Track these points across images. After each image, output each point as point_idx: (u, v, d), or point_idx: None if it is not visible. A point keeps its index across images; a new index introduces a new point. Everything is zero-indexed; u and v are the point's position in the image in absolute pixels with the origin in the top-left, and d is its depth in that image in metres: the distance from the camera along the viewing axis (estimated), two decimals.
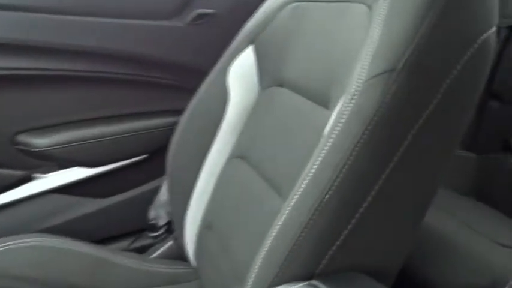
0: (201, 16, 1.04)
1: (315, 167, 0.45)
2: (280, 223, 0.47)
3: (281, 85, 0.70)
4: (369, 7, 0.52)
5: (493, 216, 0.92)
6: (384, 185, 0.43)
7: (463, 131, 0.47)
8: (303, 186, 0.46)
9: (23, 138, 0.97)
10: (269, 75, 0.73)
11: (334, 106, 0.52)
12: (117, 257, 0.79)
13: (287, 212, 0.46)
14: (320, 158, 0.45)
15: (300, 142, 0.59)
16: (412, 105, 0.43)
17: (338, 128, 0.45)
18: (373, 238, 0.47)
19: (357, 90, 0.44)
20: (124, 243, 1.10)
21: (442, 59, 0.43)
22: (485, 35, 0.45)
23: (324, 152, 0.45)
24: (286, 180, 0.58)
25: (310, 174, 0.45)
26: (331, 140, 0.45)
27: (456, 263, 0.76)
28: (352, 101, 0.44)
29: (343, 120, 0.45)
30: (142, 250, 0.99)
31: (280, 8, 0.73)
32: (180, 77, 1.08)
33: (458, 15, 0.43)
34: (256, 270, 0.48)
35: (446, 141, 0.47)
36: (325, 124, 0.52)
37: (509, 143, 1.00)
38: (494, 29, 0.46)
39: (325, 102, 0.57)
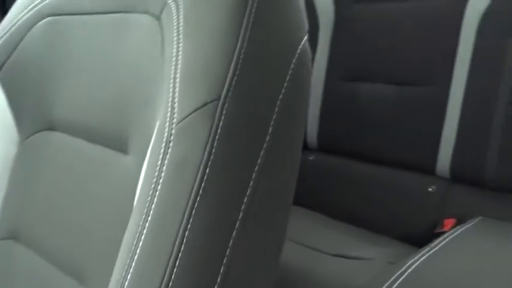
0: None
1: (140, 243, 0.32)
2: None
3: (52, 128, 0.52)
4: (157, 18, 0.40)
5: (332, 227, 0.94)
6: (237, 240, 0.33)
7: (298, 164, 0.41)
8: (129, 266, 0.31)
9: None
10: (31, 118, 0.54)
11: (139, 150, 0.39)
12: None
13: None
14: (144, 232, 0.32)
15: (98, 205, 0.43)
16: (247, 137, 0.34)
17: (160, 184, 0.32)
18: None
19: (171, 133, 0.32)
20: None
21: (269, 76, 0.35)
22: (302, 43, 0.38)
23: (147, 220, 0.32)
24: (88, 262, 0.42)
25: (137, 250, 0.31)
26: (154, 200, 0.32)
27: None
28: (170, 147, 0.32)
29: (163, 174, 0.32)
30: None
31: (29, 25, 0.54)
32: None
33: (275, 24, 0.36)
34: None
35: (287, 178, 0.39)
36: (129, 175, 0.38)
37: None
38: (307, 36, 0.40)
39: (121, 146, 0.43)
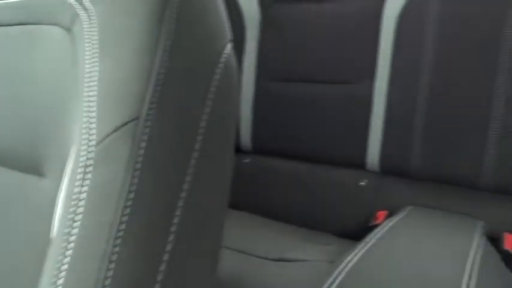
0: None
1: (62, 281, 0.29)
2: None
3: None
4: (68, 30, 0.37)
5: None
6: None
7: (230, 171, 0.40)
8: None
9: None
10: None
11: (55, 173, 0.36)
12: None
13: None
14: (65, 268, 0.29)
15: (14, 236, 0.39)
16: (174, 153, 0.32)
17: (80, 213, 0.29)
18: None
19: (89, 156, 0.30)
20: None
21: (193, 89, 0.33)
22: (226, 50, 0.37)
23: (66, 254, 0.29)
24: None
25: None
26: (74, 231, 0.29)
27: None
28: (89, 171, 0.30)
29: (84, 201, 0.29)
30: None
31: None
32: None
33: (196, 35, 0.34)
34: None
35: (219, 187, 0.38)
36: (46, 200, 0.35)
37: None
38: (231, 44, 0.39)
39: (35, 168, 0.39)
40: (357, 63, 0.98)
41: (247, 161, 1.12)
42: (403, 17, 0.91)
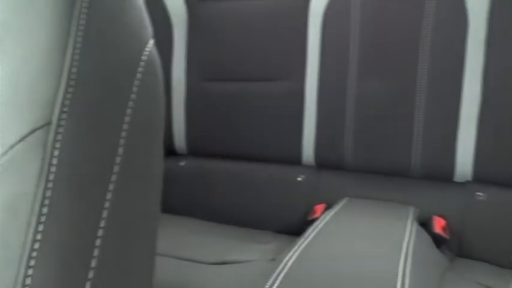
0: None
1: None
2: None
3: None
4: None
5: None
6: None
7: (160, 174, 0.37)
8: None
9: None
10: None
11: None
12: None
13: None
14: None
15: None
16: (93, 160, 0.29)
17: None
18: None
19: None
20: None
21: (112, 90, 0.31)
22: (148, 49, 0.35)
23: None
24: None
25: None
26: None
27: None
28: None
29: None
30: None
31: None
32: None
33: (112, 32, 0.32)
34: None
35: (148, 192, 0.36)
36: None
37: None
38: (153, 41, 0.37)
39: None
40: (288, 60, 0.98)
41: (183, 164, 1.09)
42: (329, 13, 0.93)
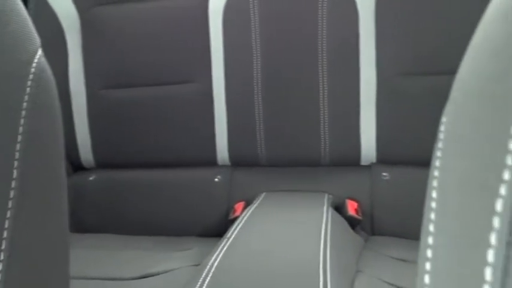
0: None
1: None
2: None
3: None
4: None
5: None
6: None
7: (62, 192, 0.35)
8: None
9: None
10: None
11: None
12: None
13: None
14: None
15: None
16: None
17: None
18: None
19: None
20: None
21: (1, 109, 0.28)
22: (36, 60, 0.32)
23: None
24: None
25: None
26: None
27: None
28: None
29: None
30: None
31: None
32: None
33: None
34: None
35: (50, 212, 0.33)
36: None
37: None
38: (41, 51, 0.34)
39: None
40: (192, 62, 0.97)
41: (93, 178, 1.03)
42: (228, 11, 0.94)
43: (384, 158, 0.92)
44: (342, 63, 0.90)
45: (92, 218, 1.02)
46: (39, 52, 0.34)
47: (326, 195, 0.88)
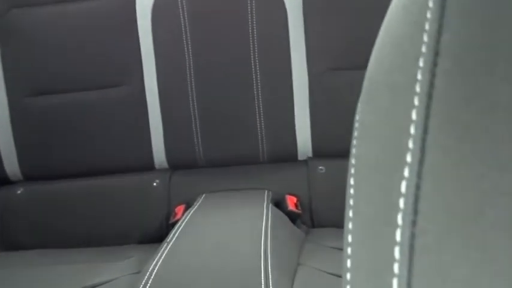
0: None
1: None
2: None
3: None
4: None
5: None
6: None
7: None
8: None
9: None
10: None
11: None
12: None
13: None
14: None
15: None
16: None
17: None
18: None
19: None
20: None
21: None
22: None
23: None
24: None
25: None
26: None
27: None
28: None
29: None
30: None
31: None
32: None
33: None
34: None
35: None
36: None
37: None
38: None
39: None
40: (123, 64, 0.94)
41: (21, 191, 0.97)
42: (156, 11, 0.92)
43: (320, 152, 0.94)
44: (274, 61, 0.92)
45: (24, 234, 0.96)
46: None
47: (266, 192, 0.89)
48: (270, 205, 0.83)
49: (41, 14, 0.93)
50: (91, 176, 0.97)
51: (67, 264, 0.80)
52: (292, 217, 0.86)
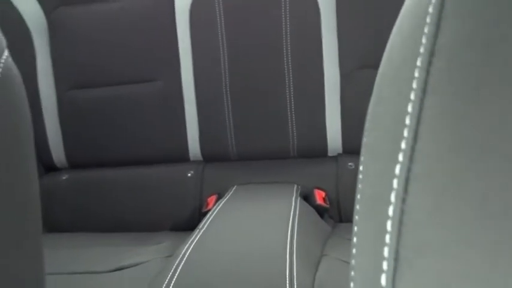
0: None
1: None
2: None
3: None
4: None
5: None
6: None
7: (34, 197, 0.36)
8: None
9: None
10: None
11: None
12: None
13: None
14: None
15: None
16: None
17: None
18: None
19: None
20: None
21: None
22: (2, 61, 0.34)
23: None
24: None
25: None
26: None
27: None
28: None
29: None
30: None
31: None
32: None
33: None
34: None
35: (21, 217, 0.35)
36: None
37: None
38: (7, 52, 0.35)
39: None
40: (161, 59, 0.99)
41: (66, 177, 1.04)
42: (194, 10, 0.96)
43: (349, 149, 0.96)
44: (306, 58, 0.94)
45: (66, 218, 1.03)
46: (6, 53, 0.35)
47: (295, 186, 0.92)
48: (299, 198, 0.85)
49: (86, 11, 0.99)
50: (129, 166, 1.03)
51: (103, 247, 0.86)
52: (320, 211, 0.88)
